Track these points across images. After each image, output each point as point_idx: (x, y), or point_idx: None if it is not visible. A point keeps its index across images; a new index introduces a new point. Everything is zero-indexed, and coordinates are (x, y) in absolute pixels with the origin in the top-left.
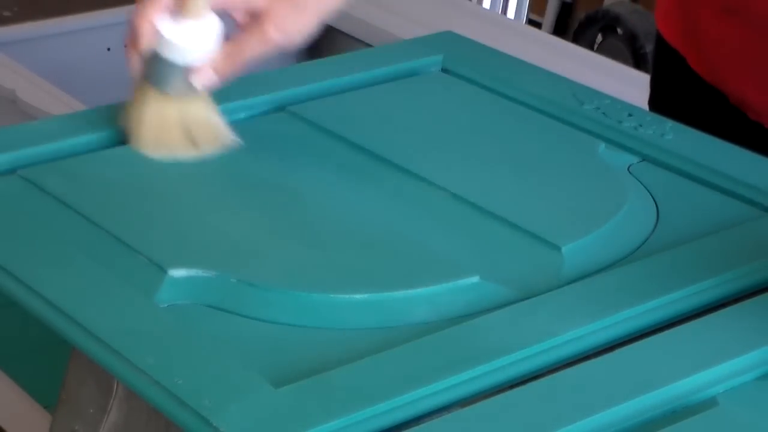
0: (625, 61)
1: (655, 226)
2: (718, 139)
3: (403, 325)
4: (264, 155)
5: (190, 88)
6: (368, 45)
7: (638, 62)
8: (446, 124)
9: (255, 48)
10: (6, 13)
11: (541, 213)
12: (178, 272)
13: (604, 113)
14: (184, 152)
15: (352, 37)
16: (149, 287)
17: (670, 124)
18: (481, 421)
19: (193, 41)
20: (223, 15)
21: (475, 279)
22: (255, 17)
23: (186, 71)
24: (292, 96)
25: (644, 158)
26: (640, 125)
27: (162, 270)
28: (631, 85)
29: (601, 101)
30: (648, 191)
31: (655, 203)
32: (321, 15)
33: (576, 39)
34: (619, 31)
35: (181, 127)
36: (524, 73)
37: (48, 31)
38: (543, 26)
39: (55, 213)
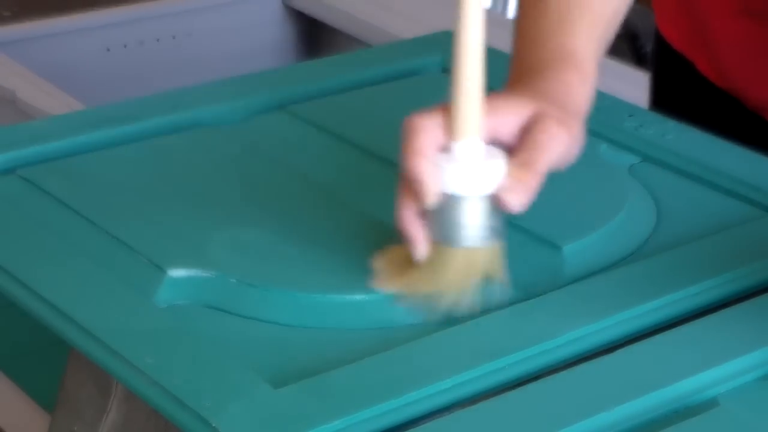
0: (625, 61)
1: (656, 226)
2: (719, 139)
3: (403, 325)
4: (264, 155)
5: (489, 234)
6: (368, 45)
7: (639, 61)
8: None
9: (549, 149)
10: (5, 13)
11: (541, 213)
12: (177, 272)
13: (604, 113)
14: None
15: (352, 37)
16: (148, 287)
17: (671, 124)
18: (482, 421)
19: (486, 170)
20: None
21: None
22: (527, 130)
23: (487, 211)
24: (292, 96)
25: (645, 158)
26: (641, 125)
27: (161, 270)
28: (632, 85)
29: (601, 101)
30: (649, 191)
31: (656, 203)
32: (583, 123)
33: None
34: (619, 30)
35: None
36: None
37: (47, 31)
38: None
39: (54, 213)
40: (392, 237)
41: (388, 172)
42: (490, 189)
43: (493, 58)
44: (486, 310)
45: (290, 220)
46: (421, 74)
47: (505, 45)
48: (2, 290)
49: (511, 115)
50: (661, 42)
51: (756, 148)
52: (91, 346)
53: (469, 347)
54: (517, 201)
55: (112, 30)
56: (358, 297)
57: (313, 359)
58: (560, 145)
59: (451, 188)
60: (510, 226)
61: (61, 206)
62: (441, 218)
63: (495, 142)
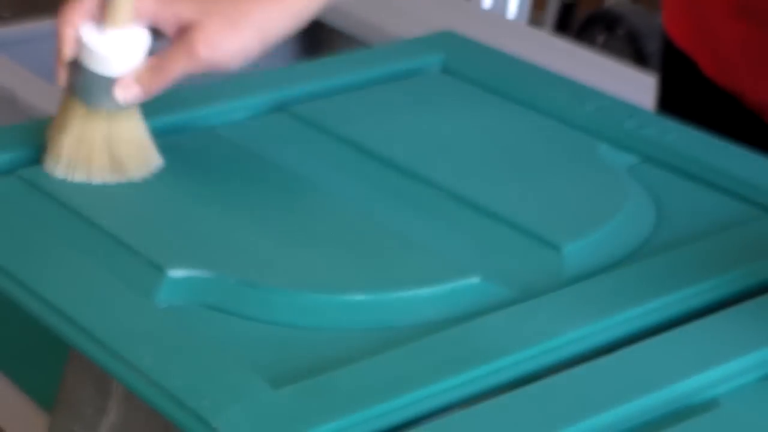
0: (626, 61)
1: (656, 226)
2: (719, 139)
3: (403, 325)
4: (263, 155)
5: (117, 103)
6: (368, 45)
7: (640, 62)
8: (446, 124)
9: (182, 63)
10: (5, 13)
11: (541, 213)
12: (177, 273)
13: (604, 113)
14: (104, 175)
15: (352, 37)
16: (148, 288)
17: (671, 124)
18: (481, 422)
19: (117, 51)
20: (155, 29)
21: (476, 279)
22: (185, 31)
23: (111, 83)
24: (292, 96)
25: (645, 159)
26: (641, 126)
27: (161, 270)
28: (633, 85)
29: (601, 101)
30: (649, 192)
31: (656, 203)
32: (264, 36)
33: (577, 39)
34: (620, 31)
35: (105, 147)
36: (524, 73)
37: (47, 31)
38: (544, 26)
39: (54, 213)
40: (392, 237)
41: (388, 172)
42: (111, 72)
43: (493, 57)
44: (486, 311)
45: (290, 220)
46: (421, 74)
47: (506, 45)
48: (2, 290)
49: (173, 14)
50: (666, 41)
51: (756, 148)
52: (90, 347)
53: (469, 347)
54: (126, 97)
55: None
56: (358, 297)
57: (313, 359)
58: (197, 62)
59: (82, 57)
60: (510, 225)
61: (61, 206)
62: (78, 74)
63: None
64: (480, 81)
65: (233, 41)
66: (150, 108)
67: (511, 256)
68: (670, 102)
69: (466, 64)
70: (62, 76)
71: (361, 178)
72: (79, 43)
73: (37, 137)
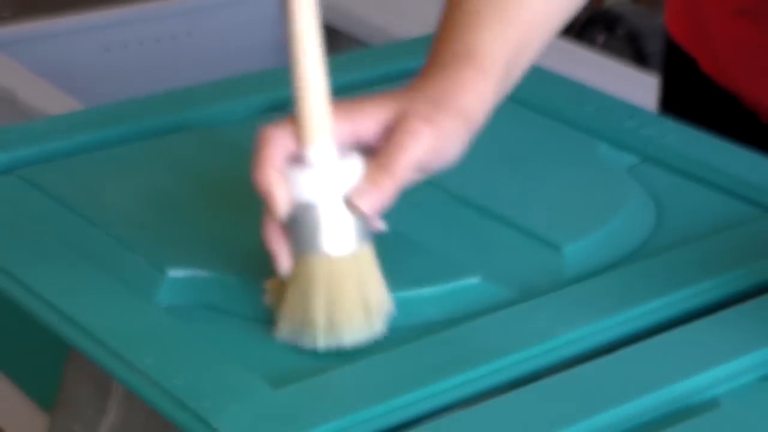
0: (626, 61)
1: (656, 226)
2: (719, 139)
3: (403, 325)
4: None
5: (351, 241)
6: (368, 45)
7: (640, 62)
8: None
9: (409, 148)
10: (5, 13)
11: (541, 213)
12: (177, 273)
13: (604, 113)
14: (361, 329)
15: (352, 37)
16: (148, 288)
17: (671, 124)
18: (481, 422)
19: (338, 176)
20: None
21: (476, 279)
22: (391, 130)
23: (345, 215)
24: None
25: (645, 159)
26: (641, 126)
27: (161, 270)
28: (633, 85)
29: (601, 101)
30: (649, 192)
31: (656, 203)
32: (471, 124)
33: (577, 39)
34: (620, 31)
35: (358, 296)
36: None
37: (47, 31)
38: None
39: (53, 213)
40: (392, 237)
41: None
42: (342, 193)
43: None
44: (486, 311)
45: None
46: None
47: None
48: (2, 290)
49: (370, 117)
50: (667, 39)
51: (756, 147)
52: (90, 347)
53: (469, 347)
54: (368, 204)
55: (112, 30)
56: None
57: (313, 359)
58: (422, 141)
59: (303, 196)
60: (510, 225)
61: (61, 206)
62: (299, 229)
63: (360, 147)
64: None
65: (447, 120)
66: (150, 108)
67: (511, 256)
68: (672, 101)
69: None
70: (277, 240)
71: None
72: (294, 187)
73: (37, 137)
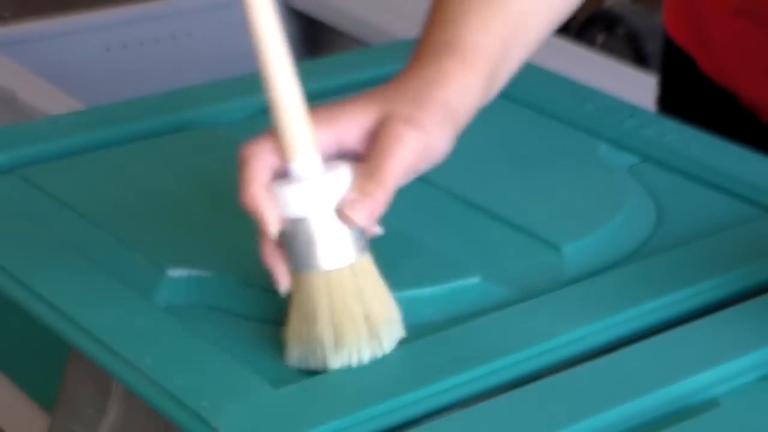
0: (626, 61)
1: (656, 226)
2: (719, 139)
3: (403, 325)
4: None
5: (349, 253)
6: (368, 45)
7: (639, 62)
8: None
9: (396, 154)
10: (5, 13)
11: (541, 213)
12: (176, 272)
13: (604, 113)
14: (369, 346)
15: (352, 37)
16: (148, 287)
17: (671, 124)
18: (481, 421)
19: (327, 187)
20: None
21: (476, 279)
22: (375, 134)
23: (337, 229)
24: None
25: (645, 158)
26: (641, 126)
27: (161, 270)
28: (633, 85)
29: (601, 101)
30: (649, 191)
31: (656, 203)
32: (455, 118)
33: (577, 39)
34: (620, 31)
35: (362, 312)
36: (524, 73)
37: (47, 31)
38: None
39: (53, 213)
40: (392, 237)
41: None
42: (334, 205)
43: None
44: (486, 311)
45: None
46: None
47: None
48: (2, 290)
49: (352, 123)
50: (666, 39)
51: (754, 146)
52: (90, 346)
53: (469, 347)
54: (361, 216)
55: (112, 30)
56: None
57: None
58: (408, 146)
59: (293, 211)
60: (510, 225)
61: (61, 206)
62: (293, 245)
63: (343, 154)
64: None
65: (431, 119)
66: (150, 108)
67: (511, 256)
68: (671, 100)
69: None
70: (274, 259)
71: None
72: (282, 203)
73: (37, 137)
